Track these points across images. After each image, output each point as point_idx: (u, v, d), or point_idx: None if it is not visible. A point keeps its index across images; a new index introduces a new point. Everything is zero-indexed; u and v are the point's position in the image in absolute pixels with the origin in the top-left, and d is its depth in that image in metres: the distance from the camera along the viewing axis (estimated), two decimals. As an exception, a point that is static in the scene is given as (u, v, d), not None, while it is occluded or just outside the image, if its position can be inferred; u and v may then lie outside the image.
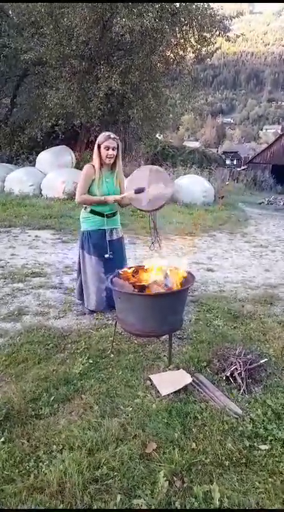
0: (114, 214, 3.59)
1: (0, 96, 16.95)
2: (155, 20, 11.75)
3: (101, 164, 3.40)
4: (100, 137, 3.36)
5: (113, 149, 3.36)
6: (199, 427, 2.19)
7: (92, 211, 3.48)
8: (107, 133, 3.40)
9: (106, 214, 3.48)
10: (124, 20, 11.22)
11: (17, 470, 1.86)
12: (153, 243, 3.33)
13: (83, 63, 12.88)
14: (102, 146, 3.34)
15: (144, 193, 3.20)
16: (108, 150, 3.34)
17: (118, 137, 3.44)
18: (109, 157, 3.38)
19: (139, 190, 3.19)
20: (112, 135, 3.37)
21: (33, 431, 2.12)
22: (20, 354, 2.92)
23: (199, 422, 2.23)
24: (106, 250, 3.46)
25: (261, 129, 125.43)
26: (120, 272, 3.10)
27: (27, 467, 1.88)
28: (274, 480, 1.86)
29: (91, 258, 3.54)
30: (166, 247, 7.04)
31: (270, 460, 1.97)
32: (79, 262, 3.69)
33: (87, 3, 11.51)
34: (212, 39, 14.30)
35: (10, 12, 14.55)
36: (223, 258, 6.64)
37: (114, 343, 3.07)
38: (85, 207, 3.52)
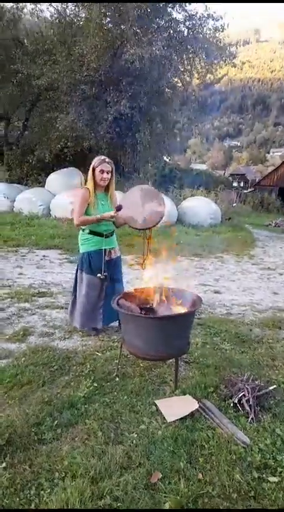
0: (111, 233, 3.63)
1: (13, 119, 17.48)
2: (163, 47, 12.15)
3: (95, 187, 3.46)
4: (95, 161, 3.44)
5: (107, 173, 3.44)
6: (205, 456, 2.12)
7: (91, 232, 3.52)
8: (102, 157, 3.48)
9: (104, 234, 3.51)
10: (134, 48, 11.62)
11: (17, 499, 1.80)
12: (144, 261, 3.33)
13: (93, 89, 13.29)
14: (97, 169, 3.41)
15: (139, 212, 3.23)
16: (102, 173, 3.41)
17: (112, 161, 3.52)
18: (104, 180, 3.45)
19: (118, 208, 3.27)
20: (107, 159, 3.45)
21: (35, 457, 2.07)
22: (24, 376, 2.88)
23: (206, 451, 2.16)
24: (101, 271, 3.48)
25: (268, 152, 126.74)
26: (126, 293, 3.09)
27: (28, 495, 1.83)
28: (284, 516, 1.78)
29: (88, 278, 3.55)
30: (173, 268, 7.02)
31: (280, 494, 1.89)
32: (75, 283, 3.71)
33: (99, 31, 11.95)
34: (218, 66, 14.72)
35: (25, 40, 15.17)
36: (230, 280, 6.60)
37: (119, 366, 3.02)
38: (84, 229, 3.56)
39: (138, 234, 3.91)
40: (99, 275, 3.48)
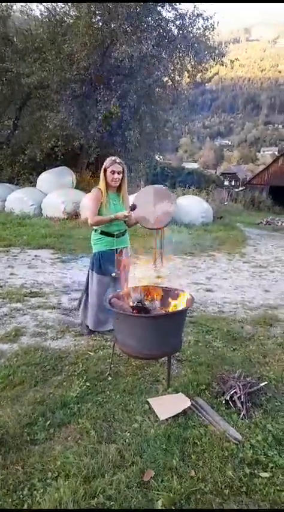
0: (123, 234, 3.67)
1: (3, 118, 17.33)
2: (153, 46, 12.15)
3: (107, 187, 3.50)
4: (107, 162, 3.49)
5: (118, 173, 3.48)
6: (198, 453, 2.13)
7: (102, 233, 3.56)
8: (113, 158, 3.52)
9: (115, 234, 3.55)
10: (123, 46, 11.60)
11: (10, 500, 1.79)
12: (155, 261, 3.37)
13: (83, 87, 13.24)
14: (108, 170, 3.46)
15: (151, 212, 3.27)
16: (113, 174, 3.46)
17: (123, 162, 3.53)
18: (115, 181, 3.50)
19: (133, 208, 3.30)
20: (118, 160, 3.49)
21: (27, 457, 2.07)
22: (17, 376, 2.87)
23: (198, 448, 2.17)
24: (113, 270, 3.51)
25: (259, 151, 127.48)
26: (119, 292, 3.09)
27: (21, 496, 1.82)
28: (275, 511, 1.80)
29: (98, 277, 3.58)
30: (166, 267, 7.03)
31: (271, 489, 1.91)
32: (87, 283, 3.74)
33: (88, 29, 11.90)
34: (207, 65, 14.76)
35: (15, 39, 15.06)
36: (222, 278, 6.64)
37: (112, 365, 3.03)
38: (96, 230, 3.60)
39: (148, 234, 3.97)
40: (113, 274, 3.51)
